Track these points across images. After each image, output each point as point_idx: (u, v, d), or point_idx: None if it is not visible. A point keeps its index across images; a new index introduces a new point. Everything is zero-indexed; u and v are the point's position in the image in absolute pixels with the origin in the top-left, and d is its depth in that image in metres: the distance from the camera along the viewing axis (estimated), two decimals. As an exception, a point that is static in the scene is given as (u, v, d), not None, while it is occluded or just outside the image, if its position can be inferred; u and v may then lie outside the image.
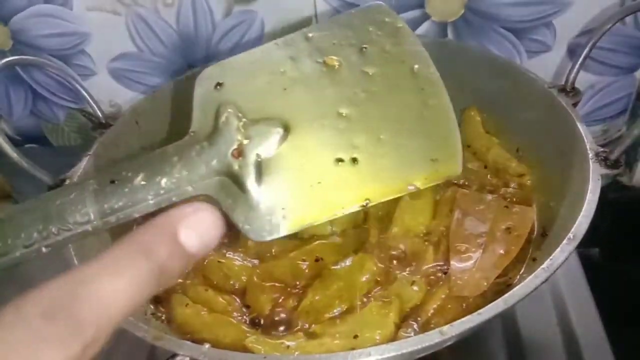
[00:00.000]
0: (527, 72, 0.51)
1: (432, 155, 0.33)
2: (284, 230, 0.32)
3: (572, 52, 0.63)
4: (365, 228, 0.46)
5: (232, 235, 0.47)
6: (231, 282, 0.44)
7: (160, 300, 0.45)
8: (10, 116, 0.78)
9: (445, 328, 0.31)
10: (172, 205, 0.33)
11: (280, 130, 0.34)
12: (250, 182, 0.32)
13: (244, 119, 0.34)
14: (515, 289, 0.33)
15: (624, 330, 0.52)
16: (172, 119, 0.55)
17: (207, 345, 0.33)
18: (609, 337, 0.50)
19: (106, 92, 0.72)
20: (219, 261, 0.45)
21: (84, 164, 0.48)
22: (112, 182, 0.33)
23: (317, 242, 0.44)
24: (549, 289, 0.55)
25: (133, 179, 0.33)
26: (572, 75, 0.48)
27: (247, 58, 0.39)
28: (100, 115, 0.53)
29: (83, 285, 0.16)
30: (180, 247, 0.18)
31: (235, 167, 0.33)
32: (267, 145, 0.33)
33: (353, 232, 0.45)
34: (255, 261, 0.45)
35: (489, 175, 0.48)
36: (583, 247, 0.60)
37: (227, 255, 0.45)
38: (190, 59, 0.70)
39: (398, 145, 0.33)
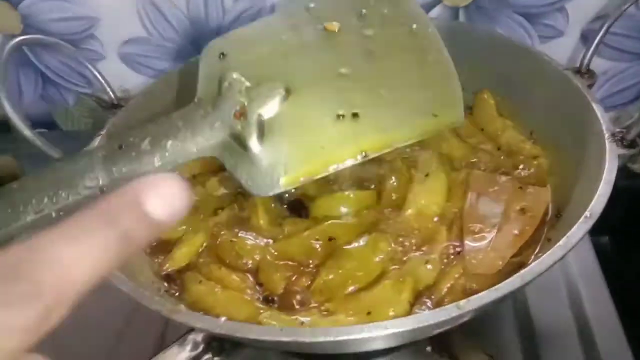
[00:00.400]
0: (542, 54, 0.50)
1: (433, 105, 0.34)
2: (285, 184, 0.33)
3: (585, 37, 0.63)
4: (378, 209, 0.46)
5: (244, 215, 0.48)
6: (244, 261, 0.44)
7: (172, 278, 0.45)
8: (21, 101, 0.78)
9: (462, 302, 0.31)
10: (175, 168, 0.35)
11: (281, 91, 0.35)
12: (252, 141, 0.33)
13: (246, 83, 0.35)
14: (531, 265, 0.33)
15: (635, 319, 0.52)
16: (182, 100, 0.55)
17: (223, 318, 0.33)
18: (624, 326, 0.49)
19: (115, 77, 0.71)
20: (231, 240, 0.45)
21: (96, 143, 0.48)
22: (120, 147, 0.35)
23: (330, 221, 0.44)
24: (561, 275, 0.54)
25: (140, 143, 0.35)
26: (587, 57, 0.48)
27: (249, 29, 0.40)
28: (113, 97, 0.54)
29: (42, 251, 0.16)
30: (145, 216, 0.18)
31: (238, 127, 0.34)
32: (269, 106, 0.34)
33: (366, 213, 0.45)
34: (268, 240, 0.45)
35: (502, 157, 0.48)
36: (593, 235, 0.61)
37: (240, 234, 0.45)
38: (200, 44, 0.70)
39: (398, 99, 0.34)
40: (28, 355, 0.16)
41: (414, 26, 0.37)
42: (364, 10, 0.39)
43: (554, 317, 0.52)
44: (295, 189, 0.47)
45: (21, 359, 0.16)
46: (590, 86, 0.46)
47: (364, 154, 0.33)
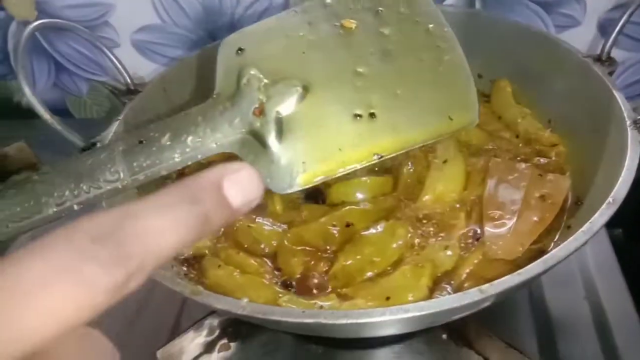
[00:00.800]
0: (561, 42, 0.50)
1: (448, 106, 0.34)
2: (304, 182, 0.33)
3: (602, 26, 0.62)
4: (395, 196, 0.45)
5: (261, 201, 0.48)
6: (262, 246, 0.44)
7: (191, 263, 0.45)
8: (34, 88, 0.78)
9: (484, 287, 0.31)
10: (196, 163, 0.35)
11: (299, 89, 0.35)
12: (271, 138, 0.34)
13: (264, 80, 0.36)
14: (554, 250, 0.33)
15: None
16: (198, 86, 0.55)
17: (245, 299, 0.33)
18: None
19: (129, 64, 0.72)
20: (248, 225, 0.45)
21: (114, 127, 0.48)
22: (140, 142, 0.35)
23: (348, 207, 0.44)
24: (577, 266, 0.54)
25: (160, 138, 0.35)
26: (608, 44, 0.48)
27: (266, 25, 0.40)
28: (129, 82, 0.54)
29: (131, 219, 0.16)
30: (224, 199, 0.19)
31: (257, 124, 0.34)
32: (287, 103, 0.35)
33: (383, 200, 0.45)
34: (285, 226, 0.45)
35: (520, 145, 0.48)
36: (606, 228, 0.60)
37: (257, 220, 0.45)
38: (214, 31, 0.69)
39: (415, 99, 0.34)
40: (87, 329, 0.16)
41: (430, 26, 0.38)
42: (380, 9, 0.39)
43: (570, 307, 0.52)
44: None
45: (82, 331, 0.16)
46: (610, 74, 0.46)
47: (379, 155, 0.34)
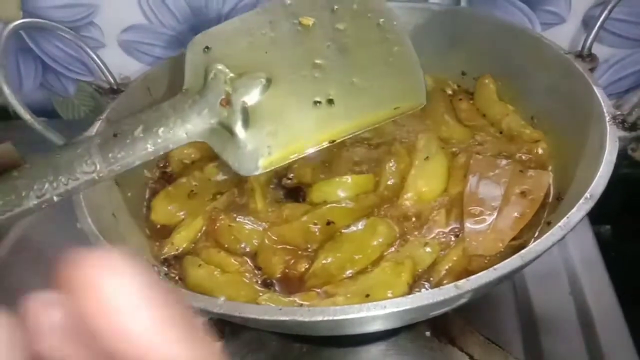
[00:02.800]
0: (543, 38, 0.50)
1: (398, 91, 0.38)
2: (264, 166, 0.37)
3: (587, 23, 0.62)
4: (377, 193, 0.45)
5: (243, 201, 0.48)
6: (242, 245, 0.44)
7: (171, 263, 0.45)
8: (20, 89, 0.78)
9: (460, 282, 0.31)
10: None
11: (263, 80, 0.38)
12: (238, 126, 0.37)
13: (230, 74, 0.39)
14: (532, 245, 0.33)
15: (636, 306, 0.52)
16: (182, 85, 0.55)
17: (222, 298, 0.33)
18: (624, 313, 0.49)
19: (115, 65, 0.71)
20: (229, 225, 0.45)
21: (96, 127, 0.48)
22: (115, 135, 0.38)
23: (329, 205, 0.44)
24: (562, 263, 0.54)
25: (133, 131, 0.38)
26: (589, 41, 0.48)
27: (231, 25, 0.43)
28: (112, 81, 0.53)
29: None
30: None
31: (224, 114, 0.37)
32: (252, 94, 0.38)
33: (365, 197, 0.45)
34: (266, 225, 0.45)
35: (503, 142, 0.48)
36: (594, 224, 0.60)
37: (238, 219, 0.45)
38: (200, 31, 0.69)
39: (369, 86, 0.38)
40: None
41: (381, 20, 0.41)
42: (336, 6, 0.42)
43: (555, 303, 0.52)
44: (293, 175, 0.48)
45: None
46: (592, 70, 0.46)
47: (335, 138, 0.37)
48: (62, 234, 0.64)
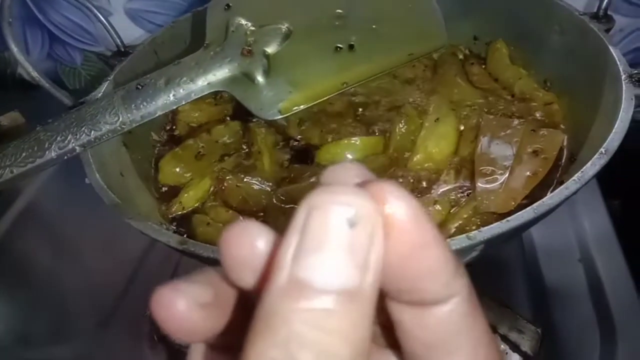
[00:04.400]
0: (557, 0, 0.49)
1: (418, 34, 0.39)
2: (289, 108, 0.37)
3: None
4: (386, 155, 0.45)
5: (250, 162, 0.47)
6: (250, 205, 0.44)
7: (180, 222, 0.45)
8: (28, 59, 0.78)
9: (472, 233, 0.31)
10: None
11: (284, 28, 0.38)
12: (259, 74, 0.37)
13: (251, 27, 0.39)
14: (545, 198, 0.32)
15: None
16: (189, 48, 0.54)
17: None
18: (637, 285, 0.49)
19: (122, 34, 0.71)
20: (237, 185, 0.44)
21: (103, 88, 0.48)
22: (137, 87, 0.38)
23: (338, 166, 0.43)
24: (574, 236, 0.54)
25: (156, 82, 0.38)
26: (605, 1, 0.46)
27: None
28: (120, 44, 0.53)
29: None
30: None
31: (246, 63, 0.38)
32: (273, 43, 0.38)
33: (374, 159, 0.44)
34: (273, 185, 0.44)
35: (515, 104, 0.47)
36: (605, 199, 0.60)
37: (246, 179, 0.44)
38: (207, -1, 0.69)
39: (389, 31, 0.38)
40: None
41: None
42: None
43: (566, 275, 0.51)
44: (300, 137, 0.48)
45: None
46: (607, 31, 0.45)
47: (356, 82, 0.37)
48: (69, 202, 0.65)
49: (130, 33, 0.71)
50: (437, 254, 0.14)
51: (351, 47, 0.37)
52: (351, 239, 0.13)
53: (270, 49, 0.38)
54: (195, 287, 0.15)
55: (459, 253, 0.31)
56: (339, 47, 0.37)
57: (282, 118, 0.37)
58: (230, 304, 0.16)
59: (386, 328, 0.16)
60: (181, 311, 0.15)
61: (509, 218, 0.31)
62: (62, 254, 0.59)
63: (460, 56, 0.55)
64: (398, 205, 0.13)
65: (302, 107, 0.36)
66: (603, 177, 0.60)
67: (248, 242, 0.15)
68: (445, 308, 0.14)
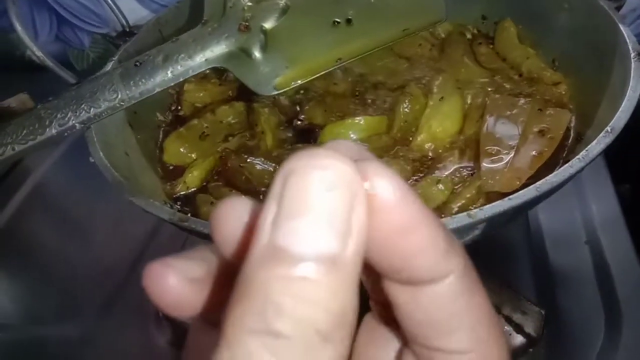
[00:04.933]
0: (567, -23, 0.48)
1: (416, 8, 0.38)
2: (286, 83, 0.37)
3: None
4: (390, 135, 0.45)
5: (253, 143, 0.47)
6: (253, 185, 0.44)
7: (184, 202, 0.45)
8: (36, 42, 0.78)
9: (473, 211, 0.30)
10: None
11: (281, 3, 0.38)
12: (257, 49, 0.37)
13: (248, 2, 0.39)
14: (549, 176, 0.32)
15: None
16: (193, 27, 0.54)
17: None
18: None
19: (128, 14, 0.71)
20: (240, 165, 0.44)
21: (108, 68, 0.48)
22: (136, 64, 0.38)
23: (341, 146, 0.43)
24: (581, 220, 0.53)
25: (154, 59, 0.39)
26: (616, -22, 0.45)
27: None
28: (125, 23, 0.53)
29: None
30: None
31: (243, 38, 0.38)
32: (270, 18, 0.38)
33: (377, 138, 0.44)
34: (277, 165, 0.44)
35: (523, 83, 0.46)
36: (614, 183, 0.59)
37: (248, 160, 0.44)
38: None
39: (386, 6, 0.38)
40: None
41: None
42: None
43: (572, 258, 0.51)
44: (304, 117, 0.48)
45: None
46: (617, 9, 0.44)
47: (354, 56, 0.37)
48: (77, 184, 0.66)
49: (137, 13, 0.70)
50: (425, 232, 0.13)
51: (349, 21, 0.37)
52: (329, 203, 0.12)
53: (267, 24, 0.38)
54: (187, 262, 0.16)
55: (460, 231, 0.31)
56: (336, 21, 0.37)
57: (282, 95, 0.37)
58: (224, 280, 0.16)
59: (387, 308, 0.16)
60: (171, 285, 0.15)
61: (510, 196, 0.31)
62: (70, 234, 0.60)
63: (469, 36, 0.55)
64: (382, 183, 0.13)
65: (298, 82, 0.36)
66: (613, 161, 0.59)
67: (236, 216, 0.15)
68: (439, 287, 0.14)
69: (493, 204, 0.31)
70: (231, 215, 0.15)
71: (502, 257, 0.49)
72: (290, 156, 0.13)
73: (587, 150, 0.33)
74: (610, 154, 0.60)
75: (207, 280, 0.16)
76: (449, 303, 0.14)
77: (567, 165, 0.32)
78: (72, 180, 0.65)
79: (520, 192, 0.31)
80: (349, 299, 0.12)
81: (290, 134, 0.47)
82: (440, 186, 0.39)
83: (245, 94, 0.51)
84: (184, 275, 0.15)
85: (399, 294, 0.15)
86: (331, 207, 0.12)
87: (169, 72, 0.37)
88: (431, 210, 0.14)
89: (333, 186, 0.12)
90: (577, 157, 0.33)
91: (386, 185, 0.13)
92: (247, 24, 0.38)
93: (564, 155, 0.41)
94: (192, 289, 0.15)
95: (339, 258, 0.12)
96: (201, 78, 0.53)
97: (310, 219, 0.12)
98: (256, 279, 0.12)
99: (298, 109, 0.48)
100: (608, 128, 0.34)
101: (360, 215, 0.13)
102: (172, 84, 0.38)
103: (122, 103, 0.37)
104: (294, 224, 0.12)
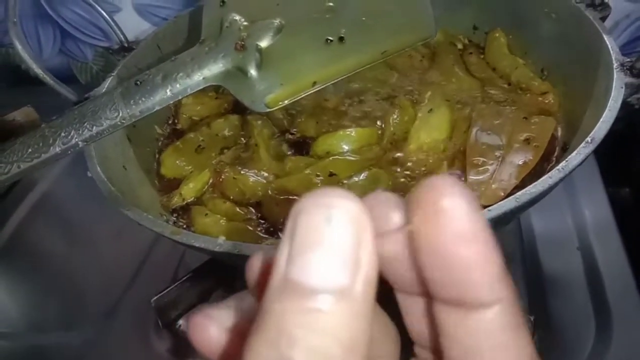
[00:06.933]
0: (554, -12, 0.48)
1: (407, 26, 0.39)
2: (271, 104, 0.38)
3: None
4: (380, 146, 0.45)
5: (248, 155, 0.48)
6: (247, 197, 0.45)
7: (180, 213, 0.46)
8: (40, 56, 0.80)
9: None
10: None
11: (276, 23, 0.39)
12: (252, 67, 0.38)
13: (244, 22, 0.40)
14: (527, 187, 0.33)
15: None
16: (191, 42, 0.55)
17: (222, 238, 0.34)
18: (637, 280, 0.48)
19: (130, 29, 0.73)
20: (234, 177, 0.45)
21: (107, 83, 0.50)
22: (136, 84, 0.40)
23: (332, 158, 0.44)
24: (573, 225, 0.54)
25: (154, 78, 0.40)
26: (602, -11, 0.46)
27: None
28: (124, 39, 0.54)
29: None
30: None
31: (239, 57, 0.39)
32: (265, 37, 0.39)
33: (368, 149, 0.45)
34: (270, 177, 0.45)
35: (511, 93, 0.47)
36: (614, 187, 0.59)
37: (242, 172, 0.46)
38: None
39: (378, 23, 0.39)
40: None
41: None
42: None
43: (563, 263, 0.51)
44: (296, 130, 0.49)
45: None
46: (603, 19, 0.45)
47: (346, 73, 0.38)
48: (81, 195, 0.67)
49: (139, 27, 0.72)
50: (486, 247, 0.14)
51: (341, 39, 0.38)
52: (336, 238, 0.13)
53: (263, 43, 0.39)
54: (226, 311, 0.17)
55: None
56: (329, 39, 0.38)
57: (278, 110, 0.38)
58: None
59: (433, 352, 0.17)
60: (212, 336, 0.16)
61: (490, 207, 0.32)
62: (72, 245, 0.61)
63: (460, 46, 0.55)
64: (454, 191, 0.14)
65: (293, 98, 0.37)
66: (613, 164, 0.60)
67: (263, 264, 0.16)
68: (487, 314, 0.14)
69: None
70: (260, 265, 0.16)
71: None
72: (302, 196, 0.14)
73: (566, 161, 0.34)
74: (606, 158, 0.60)
75: (245, 327, 0.16)
76: (496, 333, 0.15)
77: (546, 176, 0.33)
78: (74, 192, 0.66)
79: (499, 203, 0.32)
80: (360, 330, 0.13)
81: (284, 146, 0.48)
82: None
83: (240, 107, 0.52)
84: (223, 325, 0.16)
85: (448, 317, 0.15)
86: (339, 242, 0.13)
87: (168, 90, 0.38)
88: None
89: (339, 221, 0.13)
90: (557, 167, 0.34)
91: (458, 193, 0.14)
92: (243, 43, 0.39)
93: (552, 165, 0.42)
94: (230, 337, 0.16)
95: (349, 290, 0.13)
96: (199, 92, 0.55)
97: (319, 253, 0.13)
98: (271, 311, 0.13)
99: (291, 121, 0.49)
100: (588, 139, 0.35)
101: (368, 249, 0.13)
102: (172, 102, 0.39)
103: (123, 121, 0.38)
104: (305, 259, 0.13)
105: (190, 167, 0.49)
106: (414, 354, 0.18)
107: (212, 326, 0.16)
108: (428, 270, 0.14)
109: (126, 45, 0.54)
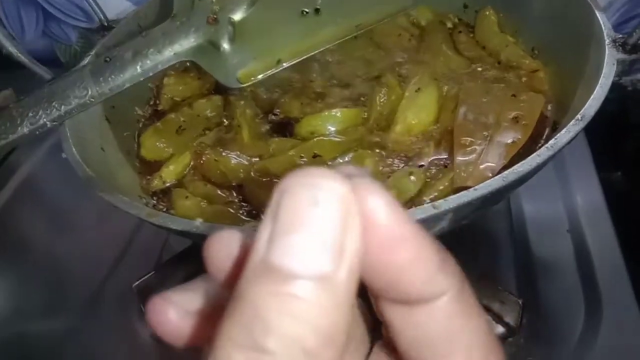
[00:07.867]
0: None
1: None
2: (243, 79, 0.37)
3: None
4: (366, 126, 0.44)
5: (230, 136, 0.47)
6: (228, 179, 0.44)
7: (160, 196, 0.45)
8: (23, 38, 0.78)
9: (438, 202, 0.30)
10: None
11: None
12: (225, 41, 0.38)
13: None
14: (515, 166, 0.32)
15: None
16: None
17: (199, 220, 0.33)
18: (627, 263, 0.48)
19: (112, 8, 0.71)
20: (215, 159, 0.44)
21: (84, 63, 0.48)
22: (106, 61, 0.38)
23: (316, 139, 0.43)
24: (564, 211, 0.53)
25: (123, 54, 0.39)
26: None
27: None
28: (103, 18, 0.53)
29: None
30: None
31: (212, 31, 0.38)
32: (239, 10, 0.38)
33: (353, 130, 0.44)
34: (252, 159, 0.44)
35: (500, 71, 0.46)
36: (605, 171, 0.59)
37: (223, 154, 0.44)
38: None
39: None
40: None
41: None
42: None
43: (553, 246, 0.51)
44: (279, 110, 0.47)
45: None
46: (596, -5, 0.43)
47: (322, 46, 0.37)
48: (64, 180, 0.66)
49: (119, 6, 0.70)
50: (415, 247, 0.13)
51: (317, 11, 0.37)
52: (322, 221, 0.12)
53: (236, 16, 0.38)
54: (187, 295, 0.16)
55: (425, 223, 0.31)
56: (305, 11, 0.37)
57: (260, 87, 0.37)
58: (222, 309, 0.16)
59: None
60: (171, 319, 0.15)
61: (477, 186, 0.31)
62: (54, 230, 0.60)
63: (449, 25, 0.54)
64: (373, 198, 0.13)
65: (262, 75, 0.36)
66: (604, 149, 0.59)
67: (226, 248, 0.15)
68: (433, 307, 0.14)
69: (458, 194, 0.30)
70: (222, 247, 0.15)
71: (484, 246, 0.49)
72: (286, 175, 0.13)
73: (555, 139, 0.33)
74: (598, 142, 0.59)
75: (207, 311, 0.16)
76: (443, 323, 0.14)
77: (534, 154, 0.32)
78: (57, 176, 0.65)
79: (487, 181, 0.31)
80: (339, 320, 0.12)
81: (267, 127, 0.47)
82: (413, 178, 0.39)
83: (223, 88, 0.51)
84: (183, 309, 0.15)
85: (393, 314, 0.15)
86: (324, 225, 0.12)
87: (138, 67, 0.37)
88: (422, 229, 0.14)
89: (326, 204, 0.12)
90: (546, 145, 0.32)
91: (376, 201, 0.13)
92: (215, 16, 0.38)
93: (541, 145, 0.40)
94: (191, 321, 0.15)
95: (331, 277, 0.12)
96: (181, 72, 0.53)
97: (303, 236, 0.12)
98: (247, 294, 0.12)
99: (275, 101, 0.48)
100: (578, 116, 0.34)
101: (354, 233, 0.13)
102: (142, 79, 0.37)
103: (92, 99, 0.37)
104: (287, 241, 0.12)
105: (170, 149, 0.47)
106: (381, 335, 0.17)
107: (170, 309, 0.15)
108: (367, 275, 0.14)
109: (106, 24, 0.53)
